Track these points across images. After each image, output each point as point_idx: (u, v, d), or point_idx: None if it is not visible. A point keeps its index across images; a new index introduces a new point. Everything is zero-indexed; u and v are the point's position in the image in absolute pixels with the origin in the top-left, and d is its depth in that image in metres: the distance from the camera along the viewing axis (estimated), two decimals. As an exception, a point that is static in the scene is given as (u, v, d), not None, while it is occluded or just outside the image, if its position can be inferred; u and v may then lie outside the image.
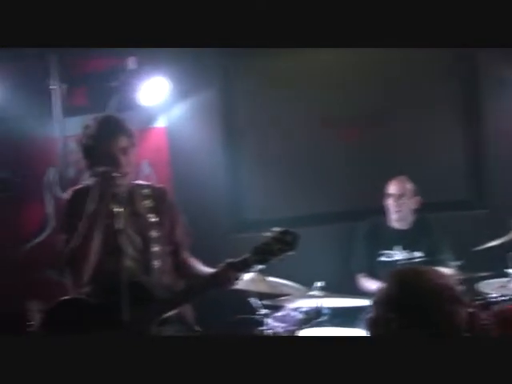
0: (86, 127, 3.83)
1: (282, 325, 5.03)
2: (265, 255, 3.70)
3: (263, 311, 4.90)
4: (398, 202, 5.52)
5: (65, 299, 3.82)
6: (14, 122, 5.93)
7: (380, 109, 6.25)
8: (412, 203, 5.57)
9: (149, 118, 6.23)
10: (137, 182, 4.04)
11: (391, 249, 5.52)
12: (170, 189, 6.02)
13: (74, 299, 3.81)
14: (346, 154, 6.29)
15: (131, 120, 5.74)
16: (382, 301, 2.36)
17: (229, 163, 6.31)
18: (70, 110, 5.91)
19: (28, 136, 6.08)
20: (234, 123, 6.38)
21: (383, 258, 5.52)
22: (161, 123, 6.27)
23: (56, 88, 5.61)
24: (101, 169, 3.64)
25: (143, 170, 6.10)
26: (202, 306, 4.09)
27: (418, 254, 5.50)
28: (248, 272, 4.19)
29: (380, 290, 2.41)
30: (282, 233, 3.70)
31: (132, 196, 3.86)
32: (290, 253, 3.70)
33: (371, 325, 2.37)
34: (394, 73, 6.18)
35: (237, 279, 3.75)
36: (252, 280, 4.75)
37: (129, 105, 5.99)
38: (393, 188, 5.56)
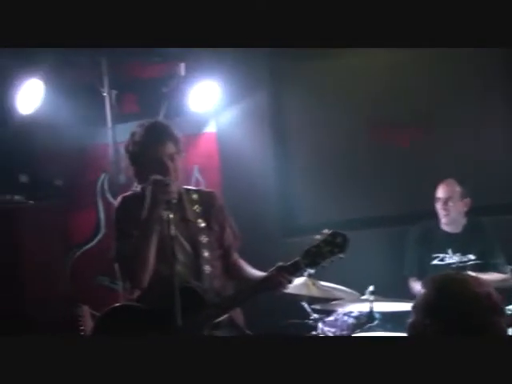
0: (133, 134, 3.86)
1: (333, 330, 5.01)
2: (315, 258, 3.69)
3: (314, 316, 4.89)
4: (446, 206, 5.47)
5: (116, 306, 3.85)
6: (67, 129, 6.00)
7: (432, 111, 6.19)
8: (461, 206, 5.50)
9: (199, 123, 6.25)
10: (185, 187, 4.04)
11: (443, 252, 5.47)
12: (219, 194, 6.09)
13: (126, 306, 3.85)
14: (397, 158, 6.26)
15: (181, 126, 5.84)
16: (421, 306, 2.33)
17: (279, 167, 6.30)
18: (120, 117, 5.95)
19: (80, 143, 6.14)
20: (284, 127, 6.38)
21: (436, 262, 5.47)
22: (211, 128, 6.28)
23: (107, 94, 5.65)
24: (153, 176, 3.65)
25: (193, 176, 6.12)
26: (253, 310, 4.10)
27: (470, 257, 5.44)
28: (299, 275, 4.21)
29: (419, 295, 2.39)
30: (332, 235, 3.70)
31: (181, 202, 3.86)
32: (340, 255, 3.69)
33: (410, 329, 2.35)
34: (446, 73, 6.13)
35: (288, 283, 3.74)
36: (304, 284, 4.76)
37: (179, 111, 6.02)
38: (441, 192, 5.51)
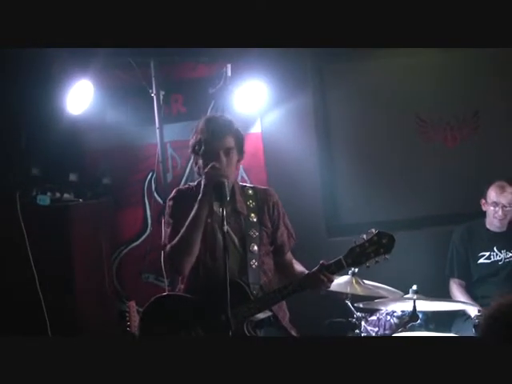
0: (197, 125, 3.94)
1: (376, 329, 5.02)
2: (359, 257, 3.69)
3: (357, 314, 4.91)
4: (505, 211, 5.41)
5: (161, 296, 3.91)
6: (115, 129, 6.10)
7: (476, 111, 6.18)
8: None
9: (245, 123, 6.28)
10: (241, 183, 4.12)
11: (489, 250, 5.45)
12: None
13: (171, 295, 3.91)
14: (441, 158, 6.24)
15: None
16: (490, 316, 2.31)
17: (324, 167, 6.32)
18: (168, 117, 6.03)
19: (129, 143, 6.24)
20: (329, 127, 6.40)
21: (482, 260, 5.46)
22: (256, 128, 6.33)
23: (155, 95, 5.73)
24: (206, 167, 3.74)
25: (239, 175, 6.17)
26: (296, 307, 4.13)
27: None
28: (341, 274, 4.23)
29: (493, 305, 2.35)
30: (378, 235, 3.68)
31: (234, 196, 3.90)
32: (385, 256, 3.68)
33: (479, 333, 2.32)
34: (489, 72, 6.10)
35: (330, 282, 3.76)
36: (347, 282, 4.77)
37: (225, 111, 6.07)
38: (498, 196, 5.42)
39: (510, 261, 5.41)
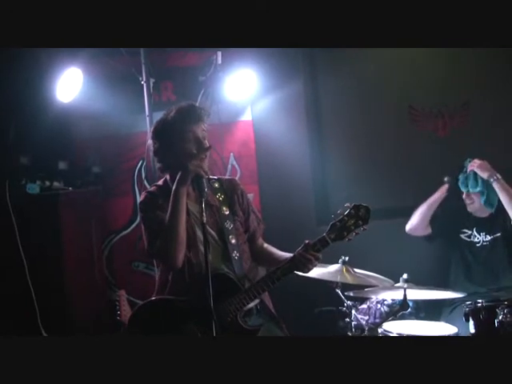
0: (168, 114, 3.88)
1: (366, 317, 5.04)
2: (341, 232, 3.73)
3: (348, 303, 4.92)
4: (470, 196, 5.46)
5: (151, 300, 3.88)
6: (105, 117, 6.07)
7: (467, 100, 6.19)
8: None
9: (235, 111, 6.29)
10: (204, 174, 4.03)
11: (470, 230, 5.48)
12: (256, 180, 6.12)
13: (161, 300, 3.87)
14: (433, 146, 6.24)
15: (218, 114, 5.93)
16: None
17: (314, 155, 6.32)
18: (158, 105, 6.00)
19: (119, 130, 6.22)
20: (320, 115, 6.40)
21: (463, 236, 5.49)
22: (247, 116, 6.32)
23: (145, 83, 5.71)
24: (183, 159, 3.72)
25: (230, 163, 6.17)
26: (287, 296, 4.13)
27: (495, 235, 5.44)
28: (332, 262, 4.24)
29: None
30: (354, 208, 3.75)
31: (204, 189, 3.79)
32: (364, 227, 3.74)
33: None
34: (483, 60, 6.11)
35: (317, 259, 3.76)
36: (338, 271, 4.78)
37: (216, 99, 6.06)
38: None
39: (486, 245, 5.44)
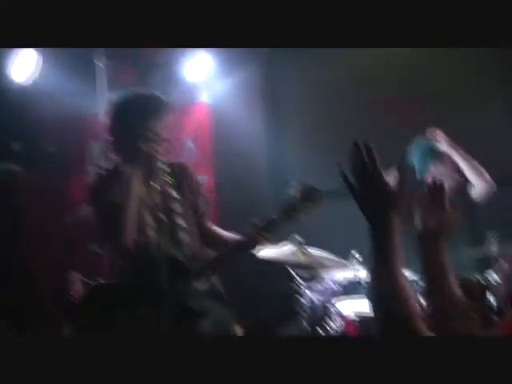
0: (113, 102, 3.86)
1: (321, 298, 5.08)
2: (289, 212, 3.72)
3: (301, 283, 4.96)
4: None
5: (98, 284, 3.87)
6: (62, 98, 6.03)
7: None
8: None
9: (193, 94, 6.30)
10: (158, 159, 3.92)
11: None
12: (212, 162, 6.14)
13: (108, 283, 3.86)
14: (391, 130, 6.27)
15: (175, 96, 5.92)
16: None
17: (271, 136, 6.35)
18: (115, 87, 5.98)
19: (75, 112, 6.18)
20: (277, 98, 6.42)
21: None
22: (204, 99, 6.33)
23: (101, 64, 5.69)
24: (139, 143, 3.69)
25: (187, 145, 6.18)
26: (240, 278, 4.14)
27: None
28: (285, 243, 4.26)
29: None
30: (303, 189, 3.74)
31: (156, 173, 3.81)
32: (312, 207, 3.73)
33: None
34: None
35: (267, 240, 3.78)
36: (291, 251, 4.81)
37: (174, 81, 6.07)
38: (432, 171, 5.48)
39: None
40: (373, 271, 1.90)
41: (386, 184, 1.91)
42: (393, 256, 1.87)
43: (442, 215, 2.20)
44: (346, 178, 1.91)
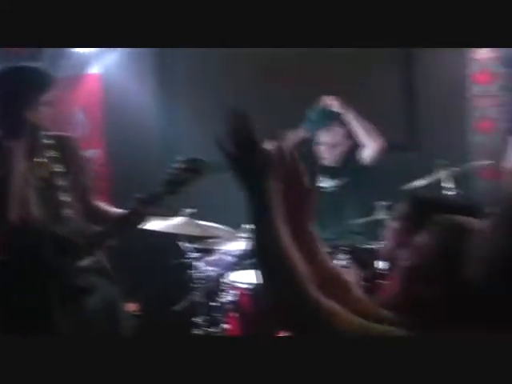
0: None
1: (216, 269, 5.10)
2: (174, 185, 3.69)
3: (194, 255, 4.96)
4: (331, 151, 5.55)
5: None
6: None
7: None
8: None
9: (83, 65, 6.19)
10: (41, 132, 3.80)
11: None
12: (103, 134, 6.06)
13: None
14: (283, 99, 6.27)
15: (65, 67, 5.80)
16: None
17: (162, 107, 6.31)
18: (4, 59, 5.81)
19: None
20: (169, 70, 6.36)
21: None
22: (95, 70, 6.23)
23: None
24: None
25: (77, 116, 6.09)
26: (131, 252, 4.09)
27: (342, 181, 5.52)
28: (175, 215, 4.24)
29: None
30: (188, 161, 3.71)
31: (39, 146, 3.72)
32: (198, 179, 3.72)
33: None
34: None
35: (152, 214, 3.77)
36: (181, 223, 4.81)
37: (62, 52, 5.94)
38: (325, 137, 5.53)
39: (334, 190, 5.50)
40: (254, 237, 1.89)
41: (261, 150, 1.91)
42: (274, 220, 1.87)
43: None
44: (221, 146, 1.90)
